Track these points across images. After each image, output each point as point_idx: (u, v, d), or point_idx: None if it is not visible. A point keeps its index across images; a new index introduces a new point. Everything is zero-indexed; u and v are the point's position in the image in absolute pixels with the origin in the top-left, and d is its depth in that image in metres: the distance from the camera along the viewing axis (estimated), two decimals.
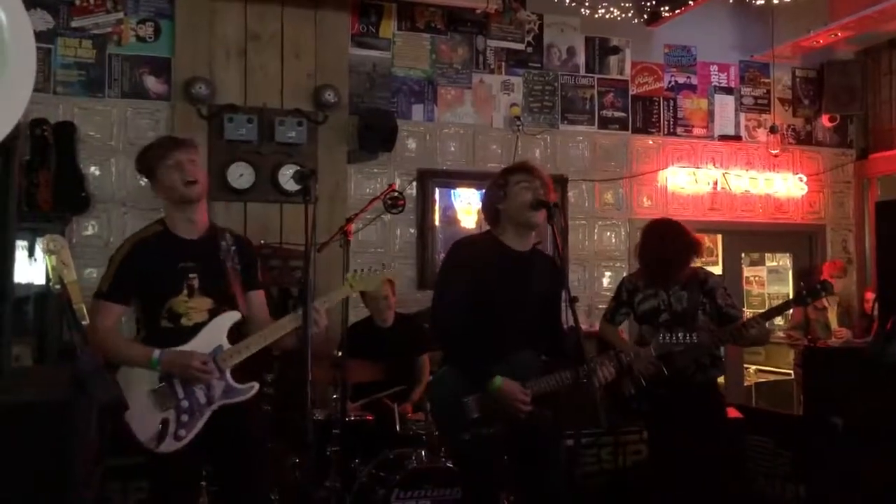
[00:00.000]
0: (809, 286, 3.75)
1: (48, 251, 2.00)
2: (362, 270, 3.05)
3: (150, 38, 5.20)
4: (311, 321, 2.69)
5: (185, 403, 2.71)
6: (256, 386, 2.83)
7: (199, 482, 3.10)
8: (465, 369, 3.00)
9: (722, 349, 4.04)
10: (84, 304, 2.13)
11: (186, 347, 2.73)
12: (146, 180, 2.96)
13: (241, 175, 5.03)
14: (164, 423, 2.68)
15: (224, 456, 2.83)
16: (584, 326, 3.55)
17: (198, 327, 2.78)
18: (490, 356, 2.92)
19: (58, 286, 2.02)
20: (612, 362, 2.99)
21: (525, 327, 2.98)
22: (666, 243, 3.85)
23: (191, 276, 2.78)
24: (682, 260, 3.84)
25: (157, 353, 2.69)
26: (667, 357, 3.71)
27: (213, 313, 2.80)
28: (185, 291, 2.77)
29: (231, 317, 2.83)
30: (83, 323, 2.02)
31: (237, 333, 2.85)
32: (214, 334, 2.79)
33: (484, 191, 3.19)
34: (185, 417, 2.71)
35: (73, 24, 5.07)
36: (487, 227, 3.21)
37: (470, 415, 2.90)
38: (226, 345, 2.79)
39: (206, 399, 2.74)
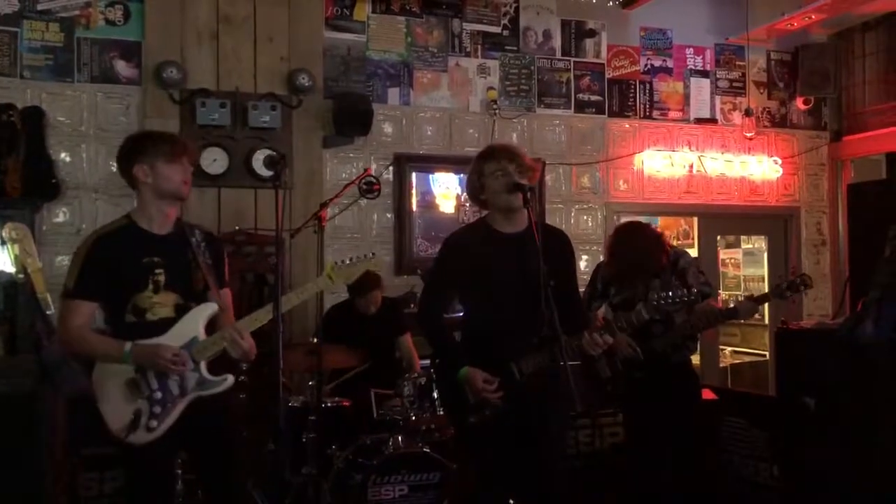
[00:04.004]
0: (788, 279, 3.83)
1: (10, 240, 1.96)
2: (343, 261, 2.93)
3: (120, 21, 5.11)
4: (281, 308, 2.64)
5: (157, 395, 2.70)
6: (231, 378, 2.80)
7: (172, 473, 3.08)
8: (441, 359, 3.07)
9: None
10: (49, 292, 2.09)
11: (161, 339, 2.70)
12: (116, 165, 2.89)
13: (214, 160, 4.96)
14: (137, 413, 2.66)
15: (199, 447, 2.82)
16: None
17: (164, 322, 2.75)
18: (484, 342, 2.96)
19: (21, 275, 1.98)
20: (604, 331, 2.98)
21: (525, 307, 2.95)
22: (636, 247, 3.88)
23: (156, 271, 2.75)
24: (654, 259, 3.87)
25: (128, 346, 2.67)
26: (644, 341, 3.74)
27: (180, 309, 2.78)
28: (151, 287, 2.74)
29: (207, 308, 2.80)
30: (48, 313, 1.98)
31: (213, 326, 2.81)
32: (190, 326, 2.76)
33: (465, 178, 3.21)
34: (157, 409, 2.69)
35: (40, 6, 4.96)
36: (467, 212, 3.24)
37: (470, 400, 2.93)
38: (201, 337, 2.76)
39: (179, 391, 2.72)
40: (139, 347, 2.68)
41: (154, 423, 2.68)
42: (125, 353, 2.67)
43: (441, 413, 3.83)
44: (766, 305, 7.00)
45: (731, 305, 4.16)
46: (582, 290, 4.09)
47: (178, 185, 2.80)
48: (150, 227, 2.81)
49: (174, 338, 2.73)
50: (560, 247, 3.10)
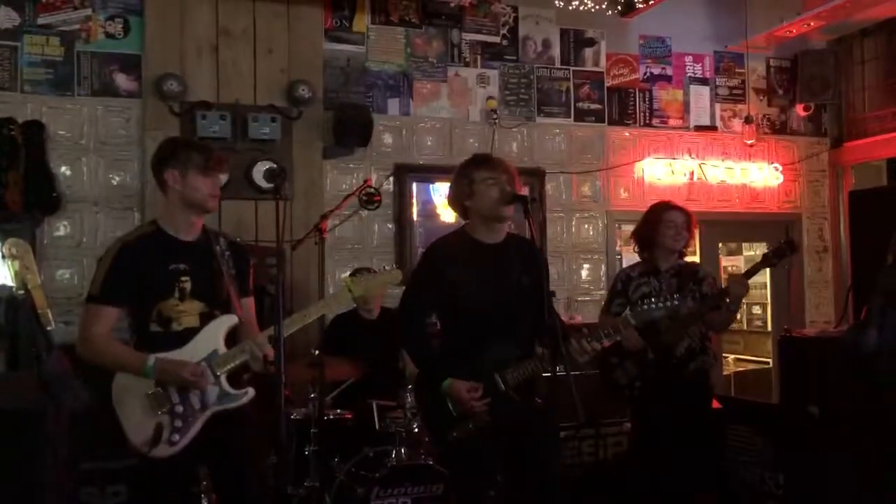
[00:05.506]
0: (774, 247, 3.88)
1: (11, 256, 1.95)
2: (363, 273, 2.96)
3: (120, 34, 5.12)
4: (282, 321, 2.61)
5: (179, 408, 2.67)
6: (251, 392, 2.77)
7: (189, 488, 3.01)
8: (423, 372, 3.06)
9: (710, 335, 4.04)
10: (49, 308, 2.08)
11: (182, 352, 2.68)
12: (151, 166, 2.86)
13: None
14: (158, 427, 2.63)
15: (219, 462, 2.78)
16: (562, 319, 3.51)
17: (188, 332, 2.72)
18: (465, 353, 2.93)
19: (21, 291, 1.98)
20: (590, 337, 2.97)
21: (506, 318, 2.96)
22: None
23: (182, 278, 2.73)
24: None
25: (150, 360, 2.64)
26: (651, 333, 3.72)
27: (205, 318, 2.75)
28: (177, 294, 2.71)
29: (227, 320, 2.77)
30: (48, 328, 1.97)
31: (234, 338, 2.79)
32: (210, 339, 2.73)
33: (449, 185, 3.18)
34: (178, 423, 2.67)
35: (40, 21, 4.97)
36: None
37: (452, 412, 2.90)
38: (221, 349, 2.73)
39: (200, 404, 2.70)
40: (162, 362, 2.65)
41: (176, 437, 2.65)
42: (148, 367, 2.64)
43: None
44: (770, 314, 7.07)
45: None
46: (601, 294, 4.10)
47: (205, 198, 2.78)
48: (177, 234, 2.79)
49: (195, 350, 2.71)
50: (536, 257, 3.09)
